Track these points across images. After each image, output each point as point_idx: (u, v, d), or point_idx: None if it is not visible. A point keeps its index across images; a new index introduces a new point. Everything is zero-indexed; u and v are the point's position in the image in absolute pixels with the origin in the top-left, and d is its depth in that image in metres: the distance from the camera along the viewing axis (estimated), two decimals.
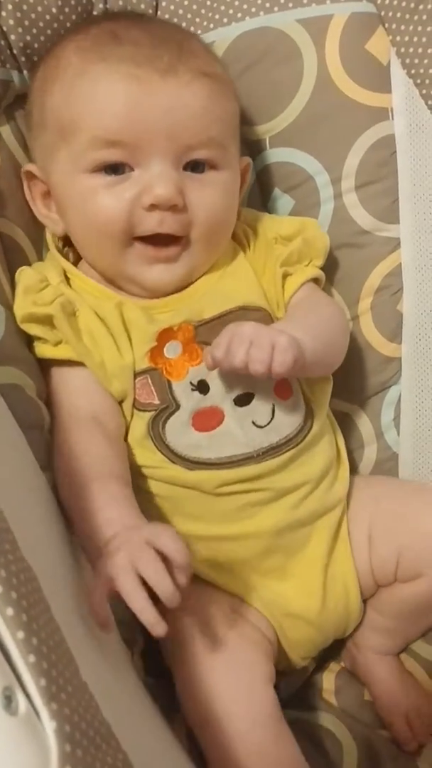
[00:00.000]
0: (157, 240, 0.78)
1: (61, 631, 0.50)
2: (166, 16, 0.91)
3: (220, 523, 0.79)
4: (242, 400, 0.79)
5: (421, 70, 0.87)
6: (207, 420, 0.79)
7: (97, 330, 0.79)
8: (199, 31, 0.90)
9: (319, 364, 0.81)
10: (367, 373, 0.95)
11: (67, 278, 0.82)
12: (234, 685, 0.72)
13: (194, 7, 0.90)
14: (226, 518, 0.79)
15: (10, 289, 0.80)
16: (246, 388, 0.79)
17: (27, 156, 0.86)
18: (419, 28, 0.86)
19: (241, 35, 0.90)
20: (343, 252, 0.93)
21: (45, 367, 0.80)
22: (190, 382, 0.79)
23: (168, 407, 0.79)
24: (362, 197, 0.91)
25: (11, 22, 0.82)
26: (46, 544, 0.65)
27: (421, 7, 0.85)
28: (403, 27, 0.87)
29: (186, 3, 0.90)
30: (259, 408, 0.80)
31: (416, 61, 0.87)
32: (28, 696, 0.43)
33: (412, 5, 0.86)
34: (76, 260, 0.86)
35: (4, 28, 0.82)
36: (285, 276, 0.85)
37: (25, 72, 0.85)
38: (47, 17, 0.84)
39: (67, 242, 0.86)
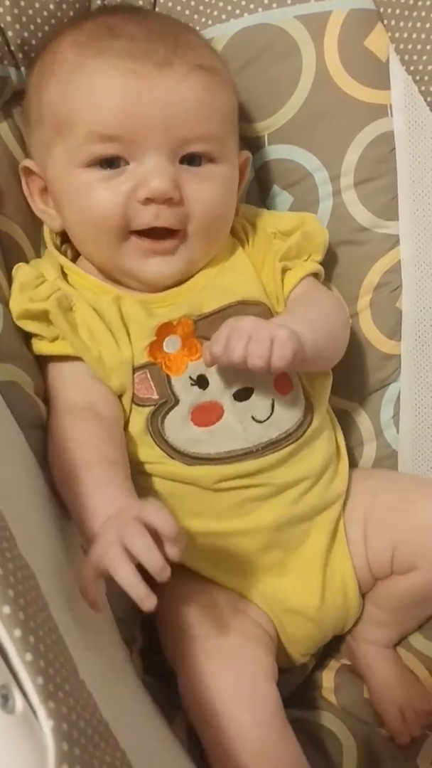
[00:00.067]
0: (153, 233, 0.78)
1: (59, 629, 0.49)
2: (164, 13, 0.90)
3: (219, 519, 0.79)
4: (242, 395, 0.79)
5: (420, 67, 0.87)
6: (206, 415, 0.79)
7: (94, 325, 0.79)
8: (197, 28, 0.90)
9: (319, 358, 0.81)
10: (367, 371, 0.95)
11: (64, 275, 0.82)
12: (236, 681, 0.72)
13: (192, 3, 0.90)
14: (225, 514, 0.79)
15: (7, 286, 0.80)
16: (245, 383, 0.79)
17: (24, 153, 0.86)
18: (418, 25, 0.86)
19: (240, 32, 0.89)
20: (342, 249, 0.93)
21: (42, 363, 0.80)
22: (190, 377, 0.79)
23: (167, 402, 0.79)
24: (361, 194, 0.91)
25: (8, 18, 0.82)
26: (44, 542, 0.65)
27: (420, 3, 0.85)
28: (402, 23, 0.87)
29: (184, 0, 0.90)
30: (259, 403, 0.79)
31: (415, 57, 0.87)
32: (25, 694, 0.43)
33: (411, 1, 0.85)
34: (75, 257, 0.86)
35: (2, 25, 0.82)
36: (284, 271, 0.85)
37: (22, 68, 0.85)
38: (45, 13, 0.83)
39: (65, 239, 0.86)
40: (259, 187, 0.95)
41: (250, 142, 0.92)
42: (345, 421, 0.94)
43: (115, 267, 0.81)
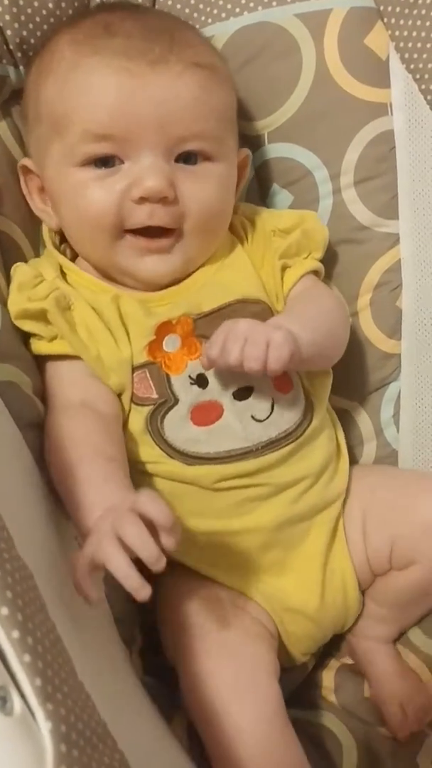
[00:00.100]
0: (148, 232, 0.78)
1: (57, 630, 0.49)
2: (164, 11, 0.90)
3: (219, 519, 0.79)
4: (241, 394, 0.79)
5: (420, 65, 0.87)
6: (206, 414, 0.78)
7: (93, 324, 0.78)
8: (197, 26, 0.90)
9: (318, 357, 0.81)
10: (367, 370, 0.95)
11: (63, 274, 0.82)
12: (237, 678, 0.72)
13: (192, 1, 0.90)
14: (224, 513, 0.79)
15: (6, 285, 0.80)
16: (245, 382, 0.79)
17: (23, 152, 0.86)
18: (418, 23, 0.86)
19: (239, 30, 0.89)
20: (342, 248, 0.93)
21: (41, 363, 0.80)
22: (189, 376, 0.79)
23: (166, 401, 0.78)
24: (361, 193, 0.91)
25: (7, 17, 0.82)
26: (41, 542, 0.65)
27: (420, 1, 0.85)
28: (402, 21, 0.87)
29: None
30: (259, 402, 0.79)
31: (415, 55, 0.87)
32: (23, 696, 0.43)
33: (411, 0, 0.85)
34: (74, 256, 0.86)
35: (0, 24, 0.82)
36: (284, 268, 0.85)
37: (21, 67, 0.85)
38: (43, 12, 0.83)
39: (64, 238, 0.86)
40: (258, 186, 0.95)
41: (250, 141, 0.92)
42: (345, 420, 0.94)
43: (111, 265, 0.81)
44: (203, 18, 0.90)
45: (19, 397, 0.74)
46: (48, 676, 0.45)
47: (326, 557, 0.83)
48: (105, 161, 0.77)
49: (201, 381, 0.79)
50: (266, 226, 0.87)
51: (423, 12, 0.85)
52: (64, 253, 0.85)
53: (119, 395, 0.79)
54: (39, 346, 0.79)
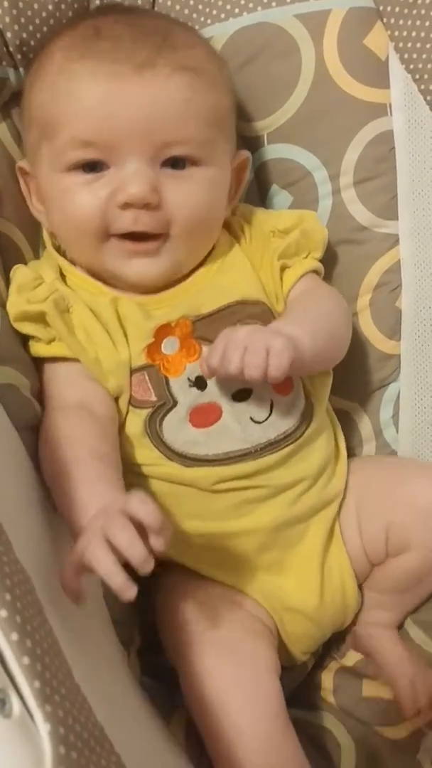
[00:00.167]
0: (135, 235, 0.78)
1: (54, 633, 0.50)
2: (163, 12, 0.90)
3: (217, 521, 0.79)
4: (240, 396, 0.79)
5: (420, 65, 0.86)
6: (205, 416, 0.78)
7: (91, 326, 0.78)
8: (196, 27, 0.90)
9: (320, 359, 0.81)
10: (366, 370, 0.95)
11: (63, 276, 0.82)
12: (238, 676, 0.72)
13: (191, 2, 0.90)
14: (223, 515, 0.79)
15: (5, 287, 0.80)
16: (244, 384, 0.78)
17: (23, 154, 0.86)
18: (418, 23, 0.85)
19: (239, 31, 0.89)
20: (342, 248, 0.93)
21: (39, 364, 0.80)
22: (188, 378, 0.79)
23: (165, 404, 0.78)
24: (361, 193, 0.91)
25: (7, 19, 0.82)
26: (38, 544, 0.65)
27: (419, 1, 0.85)
28: (401, 21, 0.87)
29: None
30: (257, 404, 0.79)
31: (415, 56, 0.86)
32: (22, 698, 0.43)
33: (411, 0, 0.85)
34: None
35: (0, 26, 0.82)
36: (283, 269, 0.85)
37: (21, 69, 0.85)
38: (43, 14, 0.83)
39: None
40: (258, 187, 0.95)
41: (250, 142, 0.92)
42: (344, 421, 0.94)
43: (100, 268, 0.81)
44: (202, 19, 0.90)
45: (17, 399, 0.74)
46: (46, 678, 0.45)
47: (324, 557, 0.83)
48: (92, 166, 0.77)
49: (200, 383, 0.79)
50: (265, 226, 0.87)
51: (422, 12, 0.85)
52: (63, 255, 0.85)
53: (117, 398, 0.79)
54: (37, 349, 0.79)
